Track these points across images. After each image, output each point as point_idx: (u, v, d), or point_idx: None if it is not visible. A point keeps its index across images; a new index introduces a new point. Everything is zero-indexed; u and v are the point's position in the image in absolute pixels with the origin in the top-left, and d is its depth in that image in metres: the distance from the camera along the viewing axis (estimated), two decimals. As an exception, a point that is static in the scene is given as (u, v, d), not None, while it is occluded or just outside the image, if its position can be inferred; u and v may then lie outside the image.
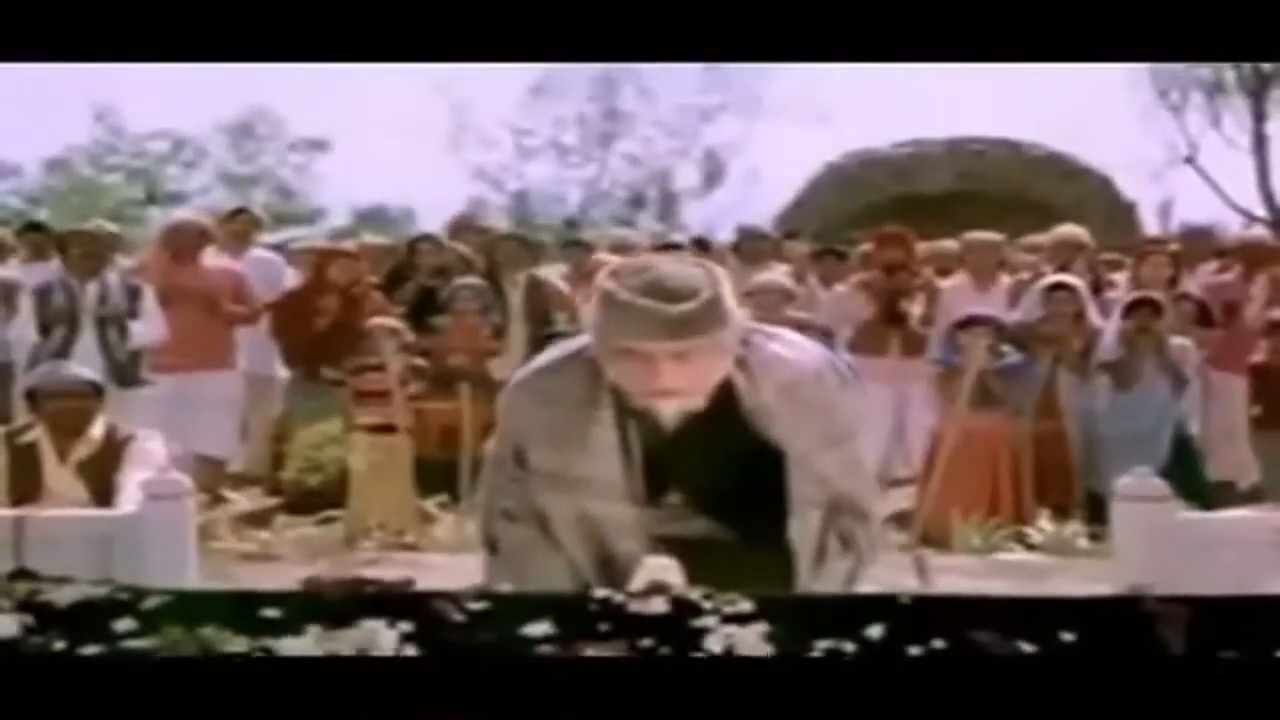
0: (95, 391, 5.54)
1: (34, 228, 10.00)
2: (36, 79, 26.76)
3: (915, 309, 8.48)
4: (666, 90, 25.61)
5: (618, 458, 2.62)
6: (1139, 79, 23.22)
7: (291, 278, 9.20)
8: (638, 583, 2.28)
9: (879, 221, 10.60)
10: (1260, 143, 23.45)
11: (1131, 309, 7.49)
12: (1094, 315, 7.71)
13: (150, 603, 1.79)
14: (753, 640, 1.71)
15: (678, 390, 2.50)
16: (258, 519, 7.29)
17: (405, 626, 1.73)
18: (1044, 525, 6.88)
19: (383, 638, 1.71)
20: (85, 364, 6.36)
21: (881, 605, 1.78)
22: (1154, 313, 7.44)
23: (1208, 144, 23.82)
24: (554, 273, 9.25)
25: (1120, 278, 8.80)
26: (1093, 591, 2.00)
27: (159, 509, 4.62)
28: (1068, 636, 1.72)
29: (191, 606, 1.78)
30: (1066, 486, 7.26)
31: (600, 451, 2.61)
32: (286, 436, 8.23)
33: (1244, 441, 7.83)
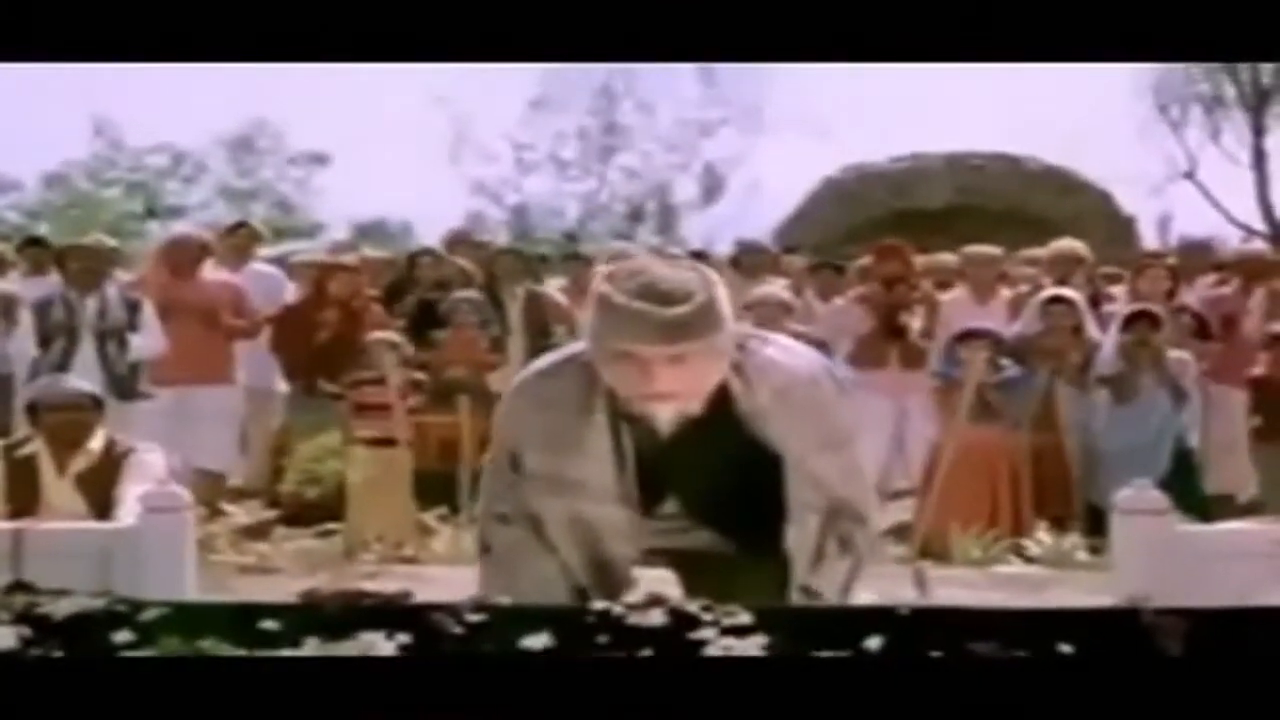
0: (95, 404, 5.55)
1: (33, 242, 10.00)
2: (35, 93, 26.83)
3: (915, 322, 8.48)
4: (666, 104, 25.67)
5: (612, 461, 2.62)
6: (1139, 93, 23.28)
7: (292, 291, 9.20)
8: (635, 595, 2.28)
9: (878, 235, 10.60)
10: (1259, 158, 23.48)
11: (1130, 322, 7.49)
12: (1092, 329, 7.71)
13: (148, 615, 1.79)
14: (751, 652, 1.71)
15: (673, 394, 2.50)
16: (256, 532, 7.27)
17: (403, 638, 1.73)
18: (1043, 537, 6.88)
19: (381, 650, 1.71)
20: (85, 377, 6.37)
21: (880, 617, 1.78)
22: (1153, 326, 7.44)
23: (1207, 159, 23.87)
24: (553, 286, 9.25)
25: (1119, 291, 8.81)
26: (1092, 603, 1.99)
27: (158, 522, 4.62)
28: (1066, 648, 1.72)
29: (190, 619, 1.78)
30: (1065, 499, 7.26)
31: (594, 455, 2.62)
32: (286, 450, 8.23)
33: (1243, 454, 7.83)
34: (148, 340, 7.72)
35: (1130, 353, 7.40)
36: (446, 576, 5.88)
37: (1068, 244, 8.89)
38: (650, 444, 2.61)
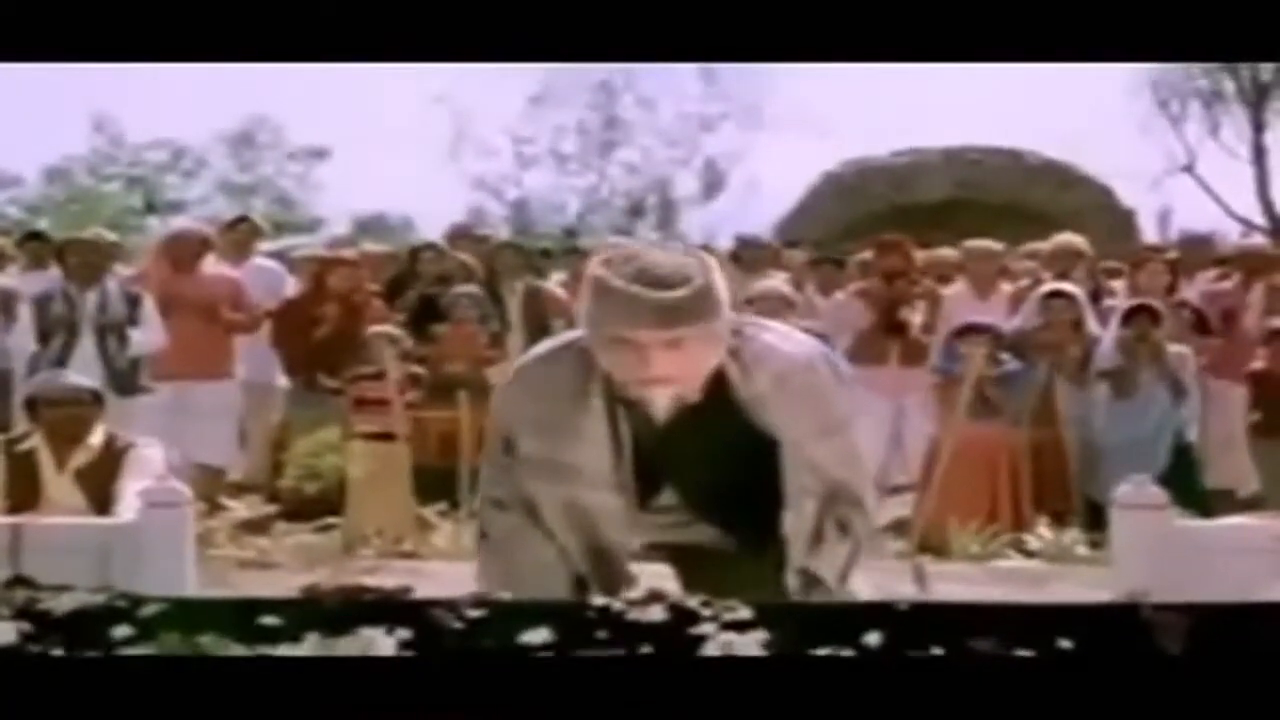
0: (94, 399, 5.55)
1: (33, 237, 10.00)
2: (36, 88, 26.82)
3: (915, 317, 8.48)
4: (666, 99, 25.64)
5: (608, 447, 2.61)
6: (1138, 88, 23.28)
7: (292, 286, 9.20)
8: (636, 590, 2.28)
9: (878, 230, 10.60)
10: (1259, 153, 23.48)
11: (1130, 316, 7.49)
12: (1092, 323, 7.71)
13: (148, 610, 1.79)
14: (751, 648, 1.71)
15: (670, 378, 2.50)
16: (256, 527, 7.27)
17: (404, 634, 1.73)
18: (1042, 532, 6.88)
19: (381, 645, 1.71)
20: (84, 372, 6.37)
21: (880, 612, 1.78)
22: (1152, 320, 7.44)
23: (1206, 153, 23.88)
24: (556, 281, 9.26)
25: (1119, 286, 8.81)
26: (1091, 599, 1.99)
27: (158, 517, 4.62)
28: (1066, 643, 1.72)
29: (190, 614, 1.78)
30: (1065, 494, 7.26)
31: (591, 441, 2.61)
32: (285, 445, 8.23)
33: (1243, 449, 7.82)
34: (147, 335, 7.71)
35: (1130, 348, 7.40)
36: (446, 572, 5.89)
37: (1068, 238, 8.88)
38: (647, 430, 2.61)
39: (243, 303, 8.39)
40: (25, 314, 7.78)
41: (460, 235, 10.07)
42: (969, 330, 7.49)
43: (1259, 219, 22.70)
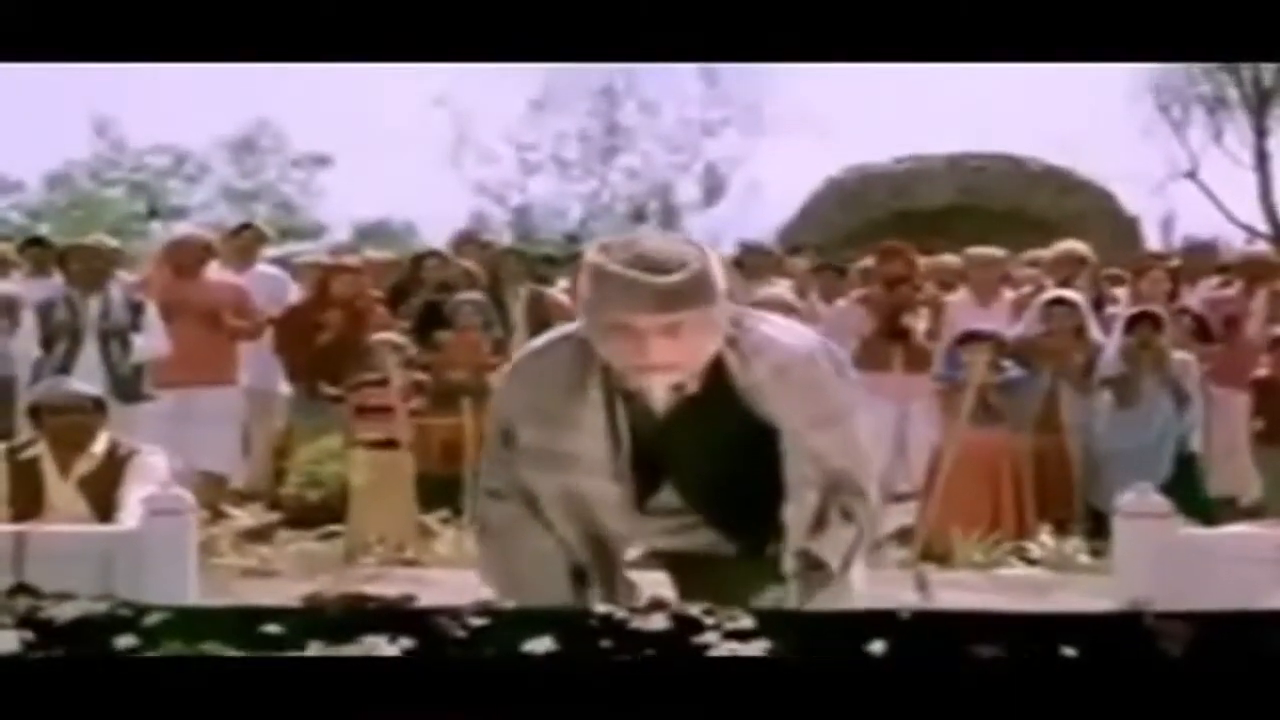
0: (97, 407, 5.55)
1: (35, 243, 10.01)
2: (37, 93, 26.86)
3: (919, 324, 8.48)
4: (668, 104, 25.67)
5: (606, 437, 2.60)
6: (1140, 93, 23.28)
7: (295, 293, 9.21)
8: (638, 598, 2.28)
9: (879, 236, 10.61)
10: (1262, 159, 23.48)
11: (1133, 324, 7.49)
12: (1095, 330, 7.71)
13: (151, 619, 1.79)
14: (754, 656, 1.71)
15: (668, 365, 2.49)
16: (259, 534, 7.28)
17: (406, 642, 1.73)
18: (1045, 540, 6.87)
19: (383, 653, 1.71)
20: (87, 379, 6.38)
21: (882, 620, 1.78)
22: (1155, 327, 7.44)
23: (1209, 159, 23.89)
24: (561, 287, 9.26)
25: (1122, 293, 8.81)
26: (1094, 607, 1.99)
27: (160, 525, 4.63)
28: (1069, 652, 1.71)
29: (192, 622, 1.78)
30: (1068, 502, 7.25)
31: (589, 430, 2.60)
32: (287, 452, 8.23)
33: (1245, 457, 7.82)
34: (150, 341, 7.71)
35: (1133, 355, 7.40)
36: (448, 579, 5.89)
37: (1071, 245, 8.88)
38: (646, 421, 2.60)
39: (246, 309, 8.39)
40: (28, 320, 7.79)
41: (466, 241, 10.08)
42: (971, 337, 7.49)
43: (1262, 225, 22.70)
